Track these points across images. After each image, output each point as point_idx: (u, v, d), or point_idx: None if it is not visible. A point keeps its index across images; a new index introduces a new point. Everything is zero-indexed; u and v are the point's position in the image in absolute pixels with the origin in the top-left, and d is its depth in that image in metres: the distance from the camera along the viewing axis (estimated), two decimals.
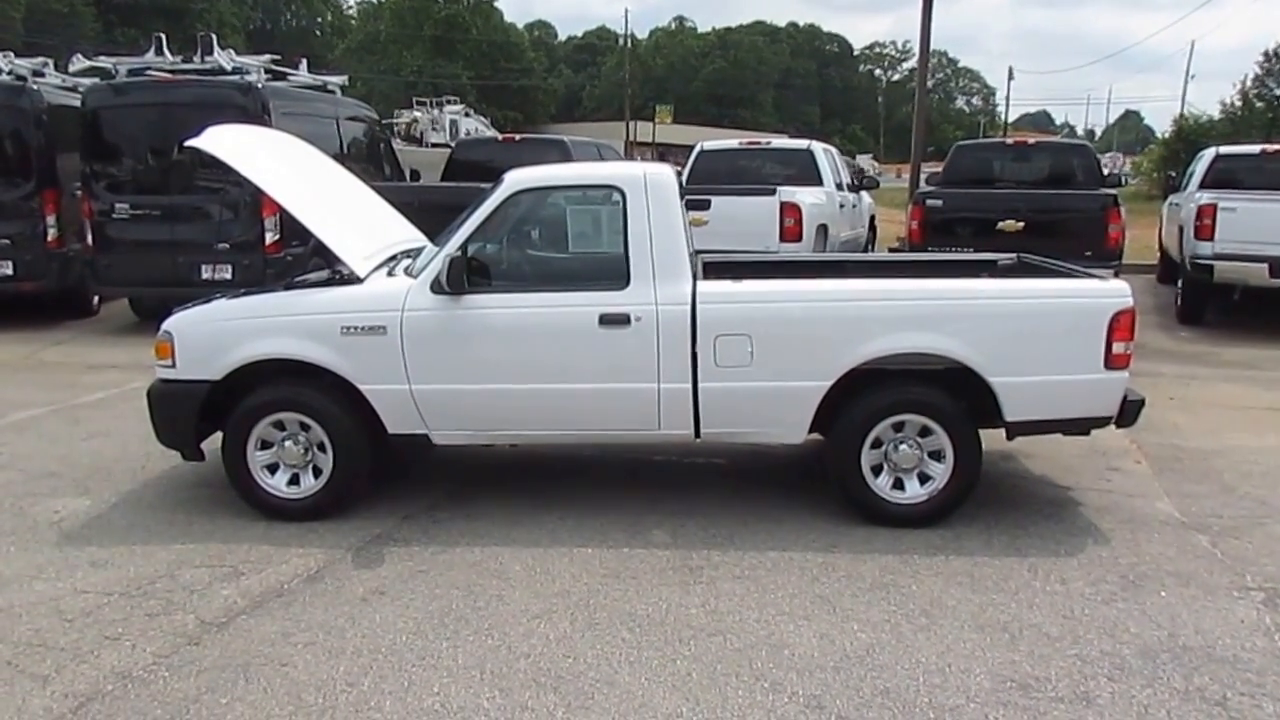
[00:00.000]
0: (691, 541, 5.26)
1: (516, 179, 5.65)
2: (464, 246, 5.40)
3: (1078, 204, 11.46)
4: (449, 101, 48.60)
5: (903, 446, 5.36)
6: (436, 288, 5.35)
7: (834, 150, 14.46)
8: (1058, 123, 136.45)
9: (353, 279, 5.61)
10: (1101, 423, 5.45)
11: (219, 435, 5.70)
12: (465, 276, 5.27)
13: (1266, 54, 52.07)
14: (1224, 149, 13.80)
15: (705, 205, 10.82)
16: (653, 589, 4.69)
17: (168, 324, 5.68)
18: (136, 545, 5.26)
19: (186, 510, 5.74)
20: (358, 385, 5.44)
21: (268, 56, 12.53)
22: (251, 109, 10.90)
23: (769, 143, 14.42)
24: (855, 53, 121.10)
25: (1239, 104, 48.06)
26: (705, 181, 12.47)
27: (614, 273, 5.39)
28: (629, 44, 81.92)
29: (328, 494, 5.56)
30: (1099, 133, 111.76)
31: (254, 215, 11.02)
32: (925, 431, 5.36)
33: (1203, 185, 13.27)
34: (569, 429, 5.56)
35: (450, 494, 6.00)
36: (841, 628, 4.30)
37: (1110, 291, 5.29)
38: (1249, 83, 49.48)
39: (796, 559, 5.01)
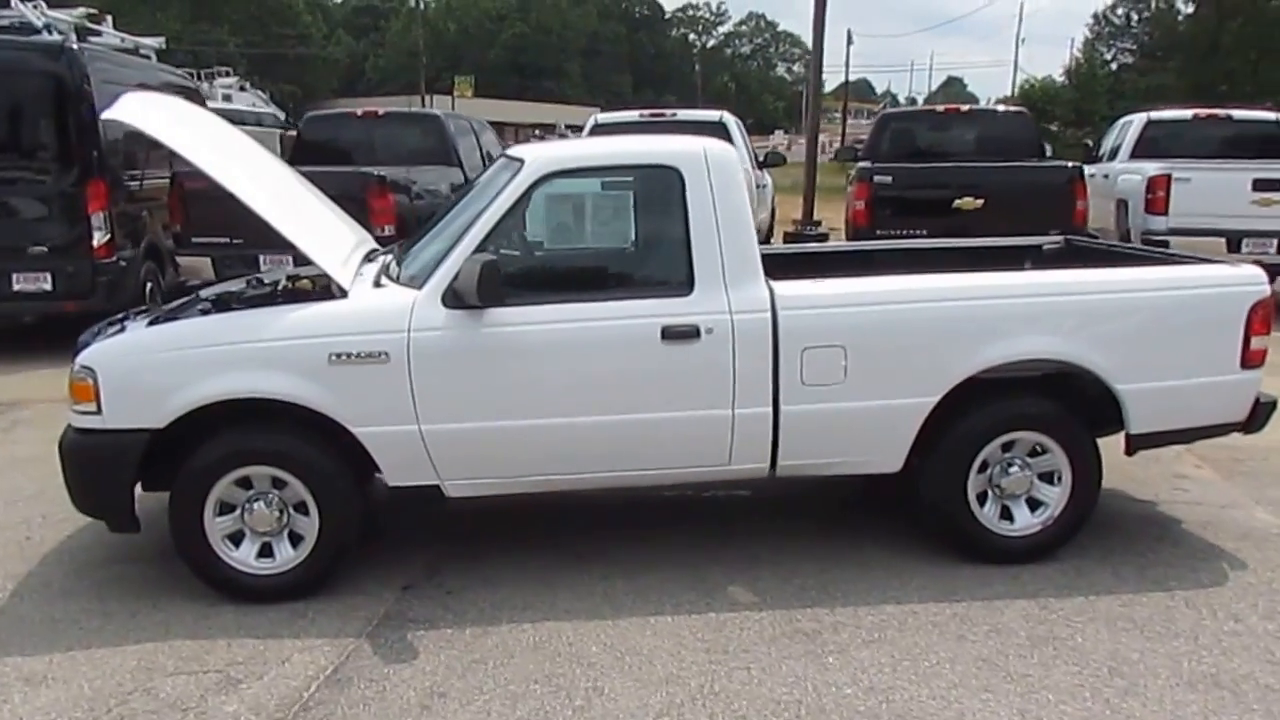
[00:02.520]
0: (782, 598, 4.81)
1: (542, 160, 5.01)
2: (484, 247, 4.80)
3: (1041, 177, 11.54)
4: (220, 73, 46.27)
5: (1012, 469, 5.06)
6: (452, 300, 4.71)
7: (742, 124, 14.18)
8: (879, 91, 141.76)
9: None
10: (1229, 430, 5.29)
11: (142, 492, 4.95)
12: (499, 286, 4.66)
13: (1096, 16, 56.06)
14: (1155, 114, 14.21)
15: None
16: (777, 664, 4.23)
17: (86, 357, 4.82)
18: (76, 650, 4.44)
19: (119, 595, 4.93)
20: (350, 428, 4.75)
21: (82, 10, 11.32)
22: (68, 78, 9.83)
23: (674, 114, 13.99)
24: (666, 15, 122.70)
25: (1083, 67, 51.36)
26: None
27: (674, 276, 4.89)
28: (420, 4, 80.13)
29: (313, 566, 4.86)
30: (921, 100, 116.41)
31: (76, 211, 9.91)
32: (1035, 450, 5.08)
33: (1134, 154, 13.59)
34: (621, 470, 4.99)
35: (445, 554, 5.36)
36: (1035, 700, 3.94)
37: (1246, 279, 5.12)
38: (1079, 46, 53.16)
39: (920, 612, 4.64)
